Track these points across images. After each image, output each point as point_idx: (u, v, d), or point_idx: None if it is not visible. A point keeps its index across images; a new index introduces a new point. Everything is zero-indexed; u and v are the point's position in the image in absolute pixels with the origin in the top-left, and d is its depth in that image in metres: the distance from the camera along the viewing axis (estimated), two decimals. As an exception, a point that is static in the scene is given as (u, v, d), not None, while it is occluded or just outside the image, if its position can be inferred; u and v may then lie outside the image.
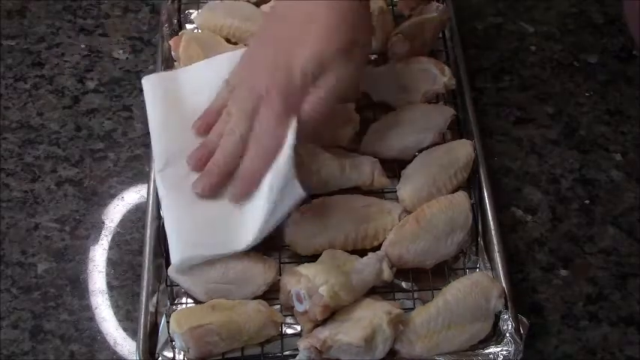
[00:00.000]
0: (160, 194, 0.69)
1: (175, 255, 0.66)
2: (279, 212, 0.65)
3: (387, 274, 0.68)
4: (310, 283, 0.64)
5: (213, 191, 0.68)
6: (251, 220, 0.66)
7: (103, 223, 0.77)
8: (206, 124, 0.70)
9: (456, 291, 0.67)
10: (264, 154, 0.65)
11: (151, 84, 0.74)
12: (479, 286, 0.68)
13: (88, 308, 0.72)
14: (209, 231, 0.67)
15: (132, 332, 0.70)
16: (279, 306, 0.69)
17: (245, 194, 0.67)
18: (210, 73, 0.73)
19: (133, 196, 0.79)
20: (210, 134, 0.69)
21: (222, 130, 0.68)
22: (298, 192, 0.64)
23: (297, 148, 0.64)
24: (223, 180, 0.68)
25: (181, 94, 0.74)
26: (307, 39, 0.63)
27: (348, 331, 0.63)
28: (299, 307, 0.65)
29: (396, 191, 0.74)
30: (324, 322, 0.65)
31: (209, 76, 0.73)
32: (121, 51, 0.89)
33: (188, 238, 0.67)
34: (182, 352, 0.66)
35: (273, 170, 0.64)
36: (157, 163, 0.70)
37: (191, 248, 0.66)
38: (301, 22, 0.64)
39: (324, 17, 0.63)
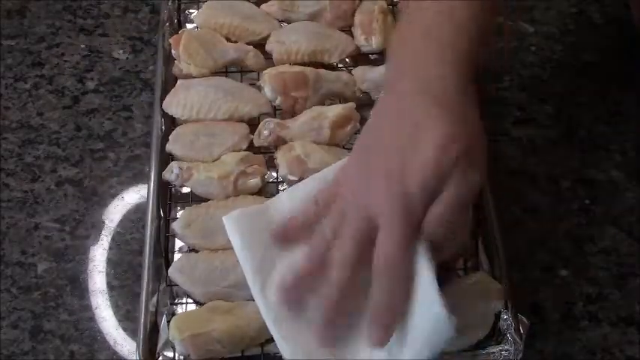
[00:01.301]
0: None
1: None
2: (428, 351, 0.56)
3: (387, 274, 0.68)
4: None
5: (333, 331, 0.58)
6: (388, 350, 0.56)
7: (103, 223, 0.77)
8: (283, 234, 0.62)
9: (455, 291, 0.67)
10: (398, 288, 0.55)
11: (234, 221, 0.64)
12: (479, 286, 0.68)
13: (88, 308, 0.72)
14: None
15: (132, 332, 0.71)
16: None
17: (388, 337, 0.56)
18: (297, 200, 0.64)
19: (133, 196, 0.79)
20: (305, 259, 0.59)
21: (316, 252, 0.58)
22: (448, 328, 0.55)
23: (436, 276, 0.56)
24: (341, 318, 0.58)
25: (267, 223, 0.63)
26: (420, 151, 0.55)
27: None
28: (299, 308, 0.65)
29: (396, 191, 0.74)
30: (324, 323, 0.65)
31: (296, 204, 0.64)
32: (121, 51, 0.89)
33: None
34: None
35: (416, 306, 0.56)
36: (265, 314, 0.61)
37: None
38: (410, 134, 0.56)
39: (436, 126, 0.55)
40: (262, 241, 0.63)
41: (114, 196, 0.79)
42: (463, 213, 0.58)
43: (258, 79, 0.80)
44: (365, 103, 0.80)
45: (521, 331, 0.66)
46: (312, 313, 0.59)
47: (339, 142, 0.76)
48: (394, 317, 0.56)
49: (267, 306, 0.60)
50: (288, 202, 0.64)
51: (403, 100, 0.58)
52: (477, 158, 0.57)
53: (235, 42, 0.83)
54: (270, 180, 0.76)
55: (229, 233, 0.64)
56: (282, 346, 0.60)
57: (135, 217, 0.77)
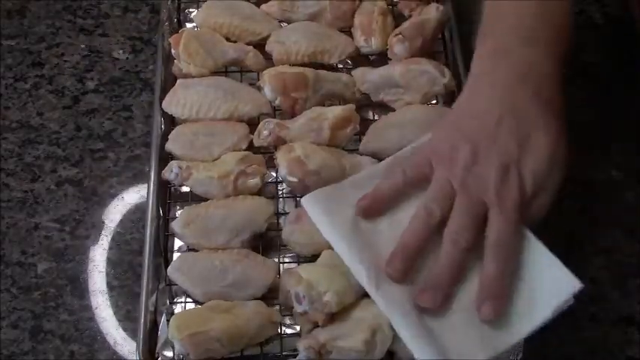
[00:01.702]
0: (383, 309, 0.62)
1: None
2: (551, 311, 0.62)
3: (386, 274, 0.68)
4: (314, 290, 0.64)
5: (443, 305, 0.62)
6: (507, 322, 0.62)
7: (103, 223, 0.77)
8: (371, 207, 0.66)
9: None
10: (508, 268, 0.62)
11: (313, 203, 0.67)
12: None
13: (88, 308, 0.72)
14: (450, 337, 0.61)
15: (132, 332, 0.71)
16: (278, 306, 0.69)
17: (500, 312, 0.62)
18: (377, 174, 0.69)
19: (133, 196, 0.79)
20: (406, 235, 0.63)
21: (424, 228, 0.63)
22: (571, 285, 0.63)
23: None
24: (451, 292, 0.63)
25: (347, 206, 0.66)
26: (536, 147, 0.63)
27: (348, 335, 0.63)
28: (298, 308, 0.64)
29: (395, 191, 0.74)
30: (323, 323, 0.65)
31: (376, 177, 0.68)
32: (121, 51, 0.89)
33: (430, 341, 0.60)
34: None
35: (531, 275, 0.63)
36: (366, 284, 0.63)
37: (438, 353, 0.60)
38: (521, 128, 0.63)
39: (548, 126, 0.63)
40: (347, 218, 0.65)
41: (114, 196, 0.79)
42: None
43: (258, 79, 0.80)
44: (364, 104, 0.80)
45: (521, 331, 0.66)
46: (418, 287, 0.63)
47: (339, 143, 0.76)
48: (505, 290, 0.62)
49: (374, 284, 0.62)
50: (367, 177, 0.68)
51: (504, 89, 0.65)
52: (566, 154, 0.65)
53: (235, 42, 0.83)
54: (270, 180, 0.76)
55: (311, 214, 0.66)
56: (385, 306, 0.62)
57: (135, 217, 0.77)
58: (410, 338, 0.60)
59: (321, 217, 0.65)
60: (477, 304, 0.61)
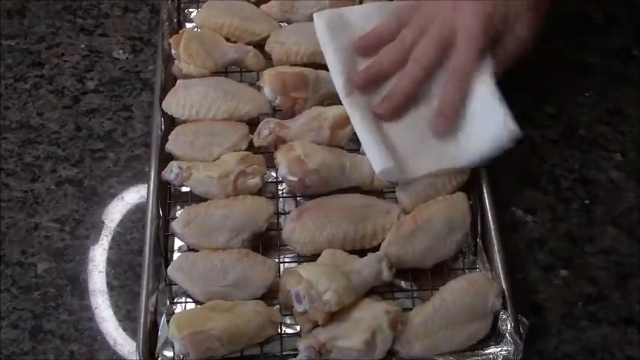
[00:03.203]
0: (350, 115, 0.74)
1: (377, 166, 0.70)
2: (489, 143, 0.71)
3: (386, 274, 0.68)
4: (313, 289, 0.64)
5: (394, 115, 0.73)
6: (453, 146, 0.72)
7: (103, 223, 0.77)
8: (367, 46, 0.75)
9: (453, 291, 0.68)
10: (463, 87, 0.70)
11: (322, 20, 0.77)
12: (475, 286, 0.68)
13: (88, 308, 0.72)
14: (403, 150, 0.72)
15: (132, 332, 0.71)
16: (278, 306, 0.69)
17: (449, 126, 0.71)
18: (378, 14, 0.78)
19: (133, 196, 0.79)
20: (380, 56, 0.74)
21: (395, 53, 0.73)
22: (511, 126, 0.70)
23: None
24: (405, 104, 0.73)
25: (352, 29, 0.77)
26: None
27: (348, 335, 0.63)
28: (298, 307, 0.65)
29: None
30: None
31: (377, 16, 0.77)
32: (121, 51, 0.89)
33: (386, 151, 0.71)
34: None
35: (475, 100, 0.71)
36: (341, 90, 0.74)
37: (390, 161, 0.70)
38: None
39: None
40: (344, 43, 0.76)
41: (114, 196, 0.79)
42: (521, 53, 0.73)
43: (258, 79, 0.80)
44: (365, 103, 0.80)
45: (521, 331, 0.66)
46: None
47: (339, 142, 0.76)
48: (455, 111, 0.71)
49: (346, 92, 0.74)
50: (374, 11, 0.78)
51: None
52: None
53: (235, 42, 0.83)
54: (270, 180, 0.76)
55: (318, 31, 0.77)
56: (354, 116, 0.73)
57: (135, 217, 0.77)
58: (368, 144, 0.71)
59: (325, 36, 0.76)
60: (433, 117, 0.72)
